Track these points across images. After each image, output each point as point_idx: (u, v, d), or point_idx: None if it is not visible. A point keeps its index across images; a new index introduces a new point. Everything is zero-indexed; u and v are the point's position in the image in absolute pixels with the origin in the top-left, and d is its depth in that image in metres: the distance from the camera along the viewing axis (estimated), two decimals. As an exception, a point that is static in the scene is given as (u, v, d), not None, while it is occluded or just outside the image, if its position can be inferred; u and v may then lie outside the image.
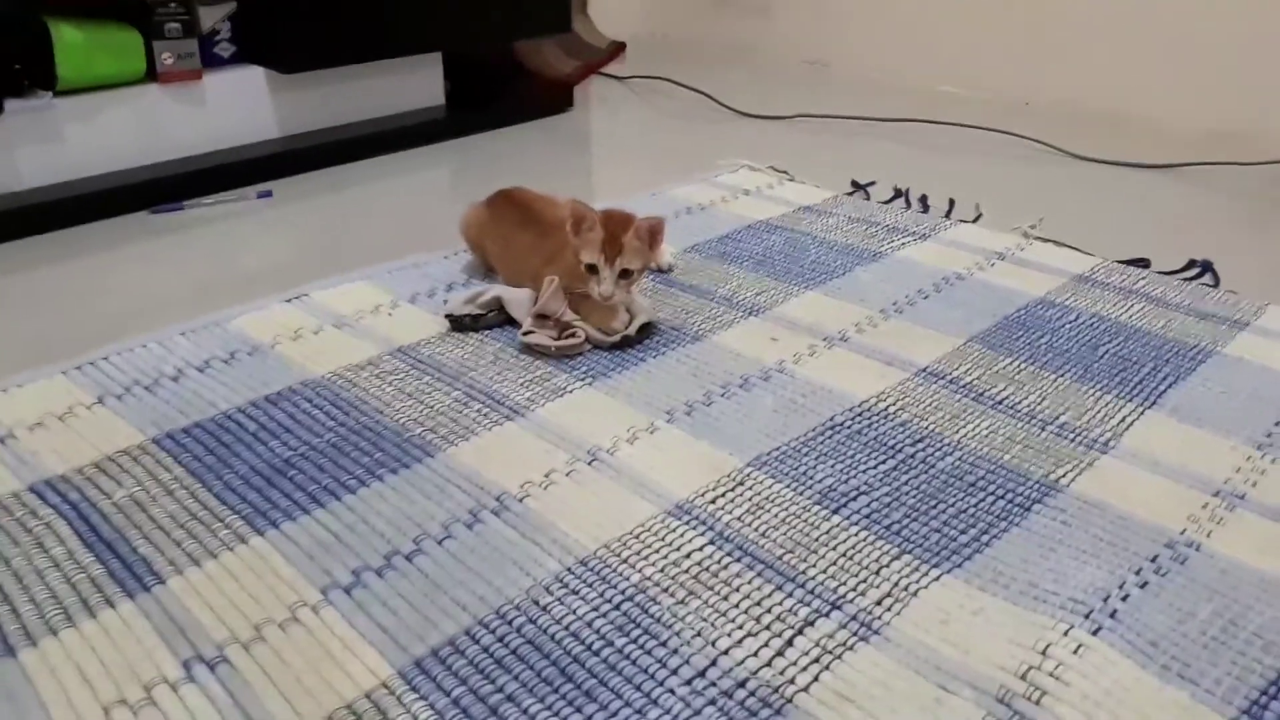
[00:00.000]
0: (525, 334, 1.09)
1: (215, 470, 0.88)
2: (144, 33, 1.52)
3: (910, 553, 0.78)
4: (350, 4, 1.69)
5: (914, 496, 0.85)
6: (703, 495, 0.84)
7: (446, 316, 1.14)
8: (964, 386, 1.01)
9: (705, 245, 1.38)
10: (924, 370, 1.04)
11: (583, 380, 1.03)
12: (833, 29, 2.50)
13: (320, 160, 1.71)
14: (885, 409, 0.97)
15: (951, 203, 1.51)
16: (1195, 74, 1.94)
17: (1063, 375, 1.04)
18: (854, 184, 1.60)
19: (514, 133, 1.96)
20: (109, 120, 1.53)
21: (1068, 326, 1.14)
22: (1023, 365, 1.06)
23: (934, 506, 0.84)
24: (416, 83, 1.89)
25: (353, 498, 0.84)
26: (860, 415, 0.96)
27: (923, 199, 1.53)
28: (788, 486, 0.86)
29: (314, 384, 1.02)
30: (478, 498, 0.84)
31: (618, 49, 2.52)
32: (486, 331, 1.13)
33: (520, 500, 0.84)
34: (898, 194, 1.56)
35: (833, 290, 1.24)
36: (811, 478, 0.87)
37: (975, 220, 1.46)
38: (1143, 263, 1.31)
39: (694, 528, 0.80)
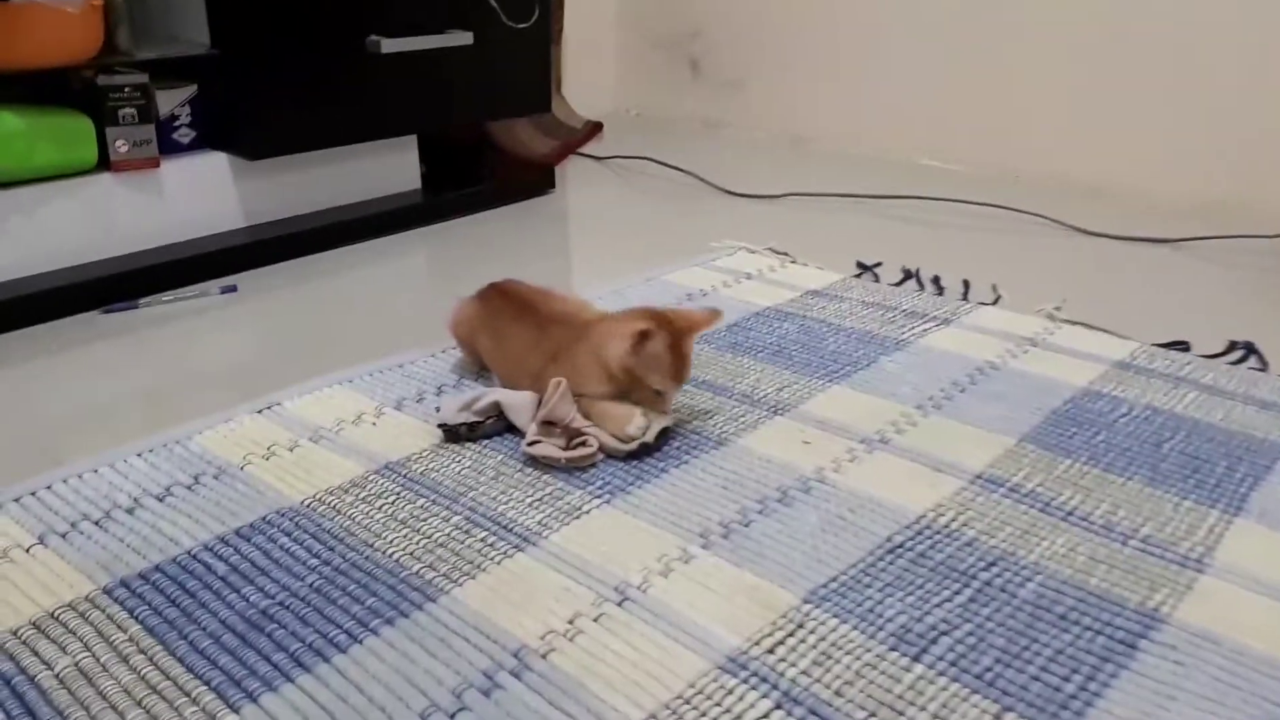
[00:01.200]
0: (530, 444, 0.97)
1: (179, 627, 0.74)
2: (95, 119, 1.40)
3: (1014, 710, 0.66)
4: (320, 86, 1.59)
5: (1001, 635, 0.73)
6: (758, 643, 0.72)
7: (440, 426, 1.02)
8: (1028, 495, 0.91)
9: (715, 336, 1.27)
10: (980, 477, 0.94)
11: (599, 497, 0.90)
12: (807, 103, 2.47)
13: (289, 250, 1.59)
14: (947, 525, 0.86)
15: (966, 284, 1.43)
16: (1186, 144, 1.91)
17: (1131, 479, 0.94)
18: (860, 265, 1.52)
19: (495, 216, 1.86)
20: (55, 213, 1.40)
21: (1123, 421, 1.05)
22: (1085, 468, 0.96)
23: (1026, 648, 0.72)
24: (390, 166, 1.79)
25: (343, 659, 0.71)
26: (921, 534, 0.85)
27: (935, 280, 1.45)
28: (855, 628, 0.74)
29: (292, 513, 0.89)
30: (493, 654, 0.71)
31: (594, 128, 2.45)
32: (484, 441, 1.01)
33: (543, 656, 0.71)
34: (908, 275, 1.48)
35: (860, 384, 1.14)
36: (881, 615, 0.75)
37: (995, 302, 1.38)
38: (1182, 346, 1.23)
39: (754, 686, 0.68)
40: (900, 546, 0.83)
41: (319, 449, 1.00)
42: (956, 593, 0.78)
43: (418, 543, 0.83)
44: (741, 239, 1.66)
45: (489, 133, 2.22)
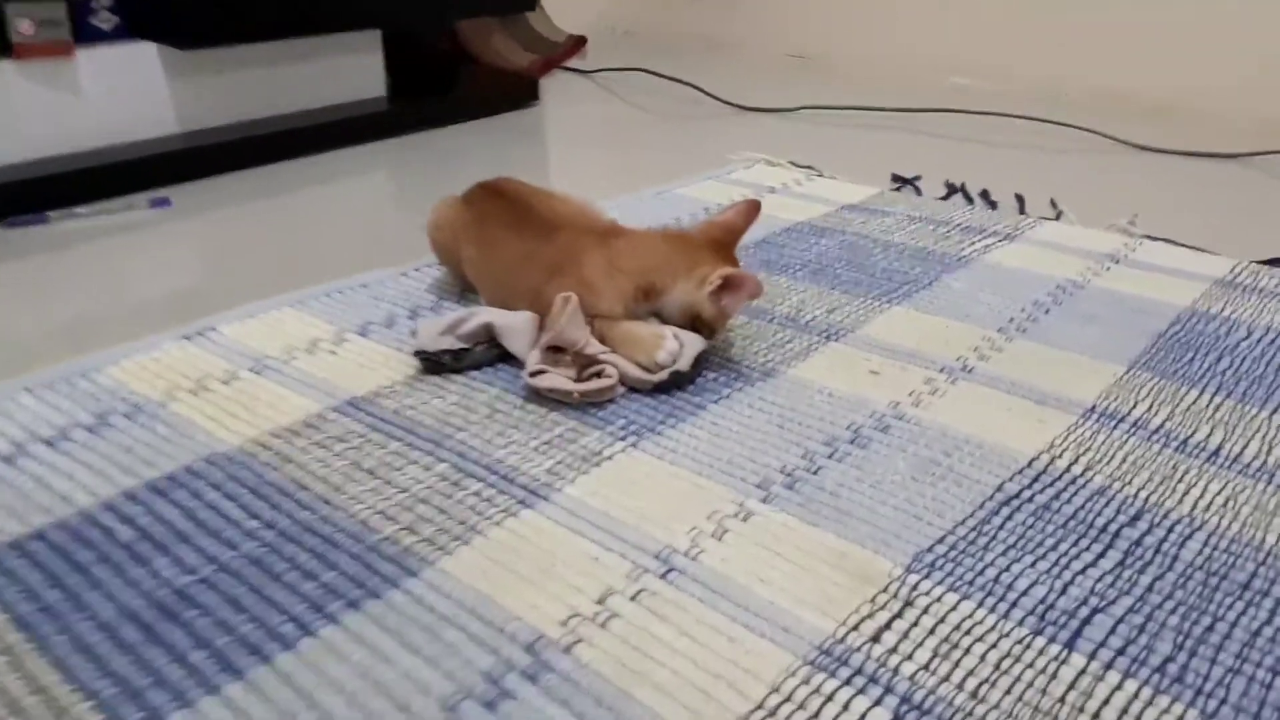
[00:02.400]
0: (534, 374, 0.77)
1: (60, 616, 0.54)
2: (-8, -6, 1.16)
3: (1219, 716, 0.48)
4: (267, -32, 1.36)
5: (1174, 612, 0.55)
6: (857, 628, 0.53)
7: (417, 354, 0.82)
8: (1158, 433, 0.72)
9: (739, 253, 1.07)
10: (1094, 411, 0.75)
11: (623, 438, 0.71)
12: (816, 18, 2.25)
13: (231, 161, 1.36)
14: (1068, 470, 0.68)
15: (1020, 199, 1.24)
16: (1248, 61, 1.73)
17: (1277, 411, 0.76)
18: (896, 178, 1.33)
19: (470, 129, 1.64)
20: (-54, 108, 1.17)
21: (1244, 345, 0.87)
22: (1218, 399, 0.77)
23: (1210, 629, 0.54)
24: (352, 69, 1.56)
25: (289, 657, 0.51)
26: (1038, 481, 0.66)
27: (985, 194, 1.26)
28: (981, 604, 0.55)
29: (224, 460, 0.68)
30: (498, 649, 0.52)
31: (578, 43, 2.22)
32: (473, 372, 0.81)
33: (567, 651, 0.52)
34: (952, 189, 1.28)
35: (924, 304, 0.94)
36: (1011, 587, 0.56)
37: (1057, 218, 1.19)
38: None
39: (858, 687, 0.49)
40: (1016, 497, 0.64)
41: (263, 382, 0.80)
42: (1100, 555, 0.59)
43: (391, 498, 0.64)
44: (757, 153, 1.45)
45: (462, 40, 1.99)
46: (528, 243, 0.86)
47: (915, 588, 0.56)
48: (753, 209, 0.86)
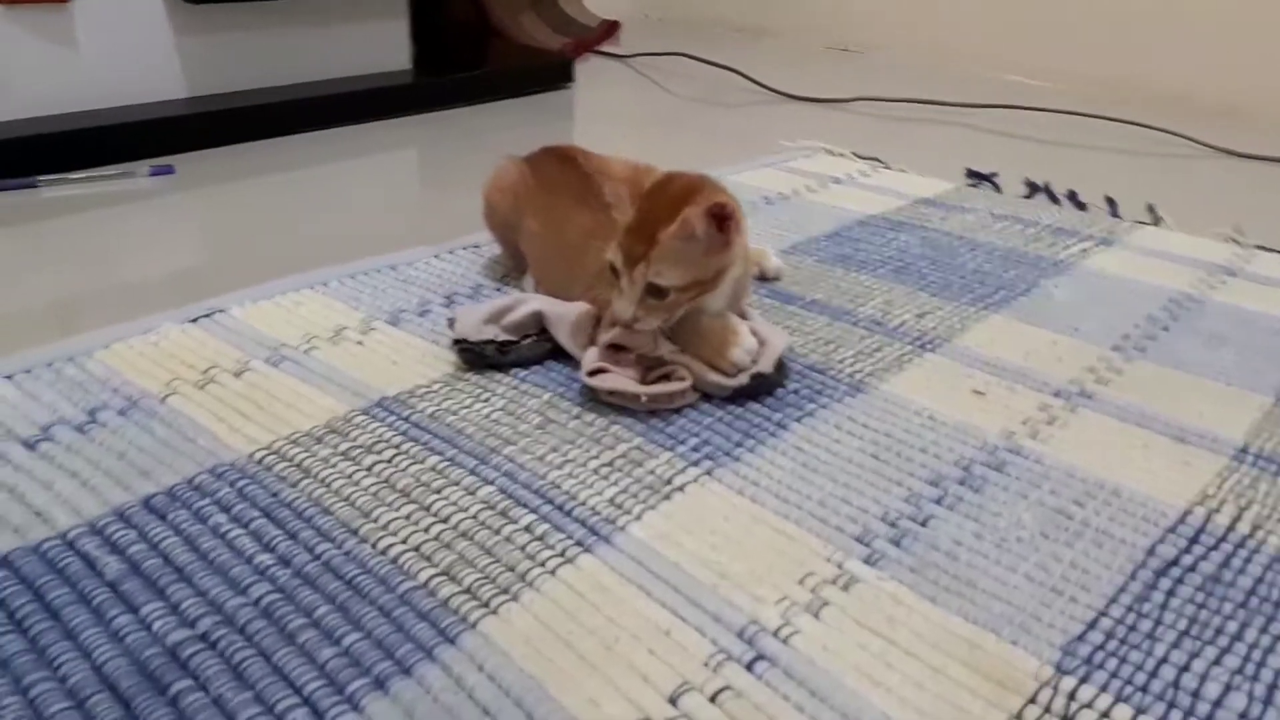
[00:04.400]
0: (593, 373, 0.66)
1: (19, 675, 0.43)
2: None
3: None
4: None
5: None
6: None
7: (456, 344, 0.71)
8: (1331, 480, 0.61)
9: (811, 245, 0.97)
10: (1246, 452, 0.64)
11: (696, 463, 0.60)
12: (855, 11, 2.13)
13: (244, 130, 1.25)
14: (1233, 528, 0.56)
15: (1112, 201, 1.13)
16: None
17: None
18: (972, 173, 1.21)
19: (501, 108, 1.52)
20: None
21: (1405, 376, 0.76)
22: (1391, 441, 0.66)
23: None
24: (376, 37, 1.45)
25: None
26: (1197, 542, 0.55)
27: (1072, 195, 1.15)
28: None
29: (234, 474, 0.57)
30: (565, 740, 0.41)
31: (611, 27, 2.11)
32: (521, 371, 0.70)
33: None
34: (1034, 188, 1.17)
35: (1025, 313, 0.83)
36: (1199, 696, 0.44)
37: (1156, 223, 1.08)
38: None
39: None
40: (1175, 564, 0.53)
41: (280, 375, 0.69)
42: (1303, 646, 0.48)
43: (428, 530, 0.52)
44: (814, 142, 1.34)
45: (491, 17, 1.88)
46: (594, 216, 0.75)
47: (1074, 696, 0.44)
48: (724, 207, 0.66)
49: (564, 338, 0.71)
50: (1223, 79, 1.69)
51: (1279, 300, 0.88)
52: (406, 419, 0.64)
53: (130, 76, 1.20)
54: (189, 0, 1.21)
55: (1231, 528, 0.56)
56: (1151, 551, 0.54)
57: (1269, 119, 1.62)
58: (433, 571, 0.49)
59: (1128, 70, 1.78)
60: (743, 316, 0.73)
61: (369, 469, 0.58)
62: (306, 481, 0.57)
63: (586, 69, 1.85)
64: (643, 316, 0.65)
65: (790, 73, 1.81)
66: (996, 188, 1.18)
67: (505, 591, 0.48)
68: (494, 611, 0.47)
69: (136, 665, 0.43)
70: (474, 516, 0.53)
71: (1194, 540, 0.55)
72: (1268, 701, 0.44)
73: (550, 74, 1.66)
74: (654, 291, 0.65)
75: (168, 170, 1.12)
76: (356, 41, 1.42)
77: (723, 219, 0.65)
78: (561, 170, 0.81)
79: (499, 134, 1.38)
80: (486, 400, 0.66)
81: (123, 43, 1.19)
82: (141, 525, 0.52)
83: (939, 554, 0.52)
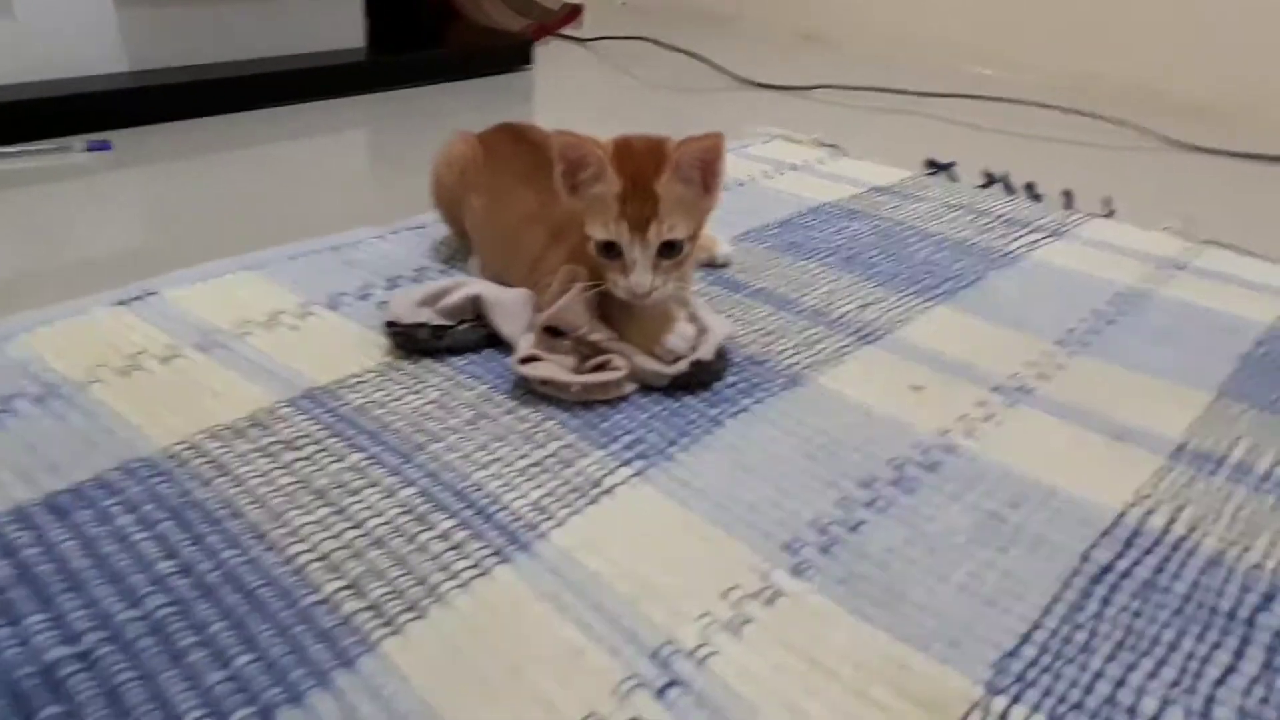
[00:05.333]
0: (524, 360, 0.65)
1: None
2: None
3: None
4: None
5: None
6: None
7: (389, 327, 0.69)
8: (1268, 481, 0.61)
9: (762, 232, 0.95)
10: (1184, 450, 0.64)
11: (628, 462, 0.58)
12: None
13: (186, 106, 1.22)
14: (1168, 530, 0.56)
15: (1068, 194, 1.12)
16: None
17: (1399, 459, 0.65)
18: (930, 163, 1.20)
19: (456, 89, 1.49)
20: None
21: (1345, 374, 0.76)
22: (1329, 441, 0.66)
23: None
24: (328, 13, 1.41)
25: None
26: (1133, 545, 0.54)
27: (1029, 187, 1.14)
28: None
29: (147, 469, 0.55)
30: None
31: (573, 11, 2.07)
32: (457, 360, 0.68)
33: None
34: (991, 179, 1.16)
35: (970, 305, 0.83)
36: (1136, 711, 0.43)
37: (1109, 215, 1.08)
38: (1372, 279, 0.94)
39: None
40: (1109, 570, 0.52)
41: (209, 362, 0.67)
42: (1238, 654, 0.47)
43: (340, 536, 0.50)
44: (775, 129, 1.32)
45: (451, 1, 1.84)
46: (538, 197, 0.73)
47: (1005, 717, 0.43)
48: (715, 145, 0.66)
49: (501, 323, 0.69)
50: (1194, 75, 1.69)
51: (1226, 296, 0.88)
52: (333, 411, 0.62)
53: (69, 48, 1.16)
54: (128, -29, 1.17)
55: (1167, 529, 0.56)
56: (1086, 557, 0.53)
57: (1241, 116, 1.62)
58: (339, 584, 0.47)
59: (1094, 65, 1.77)
60: (686, 303, 0.71)
61: (287, 466, 0.56)
62: (221, 480, 0.55)
63: (548, 52, 1.82)
64: (659, 285, 0.64)
65: (755, 60, 1.79)
66: (953, 177, 1.17)
67: (412, 608, 0.46)
68: (398, 631, 0.45)
69: (6, 685, 0.41)
70: (390, 522, 0.51)
71: (1128, 543, 0.54)
72: (1205, 715, 0.44)
73: (509, 56, 1.63)
74: (666, 251, 0.64)
75: (104, 146, 1.08)
76: (308, 17, 1.38)
77: (712, 159, 0.65)
78: (513, 148, 0.79)
79: (454, 115, 1.36)
80: (419, 392, 0.64)
81: (61, 13, 1.14)
82: (41, 525, 0.50)
83: (868, 563, 0.51)
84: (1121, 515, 0.57)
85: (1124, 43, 1.75)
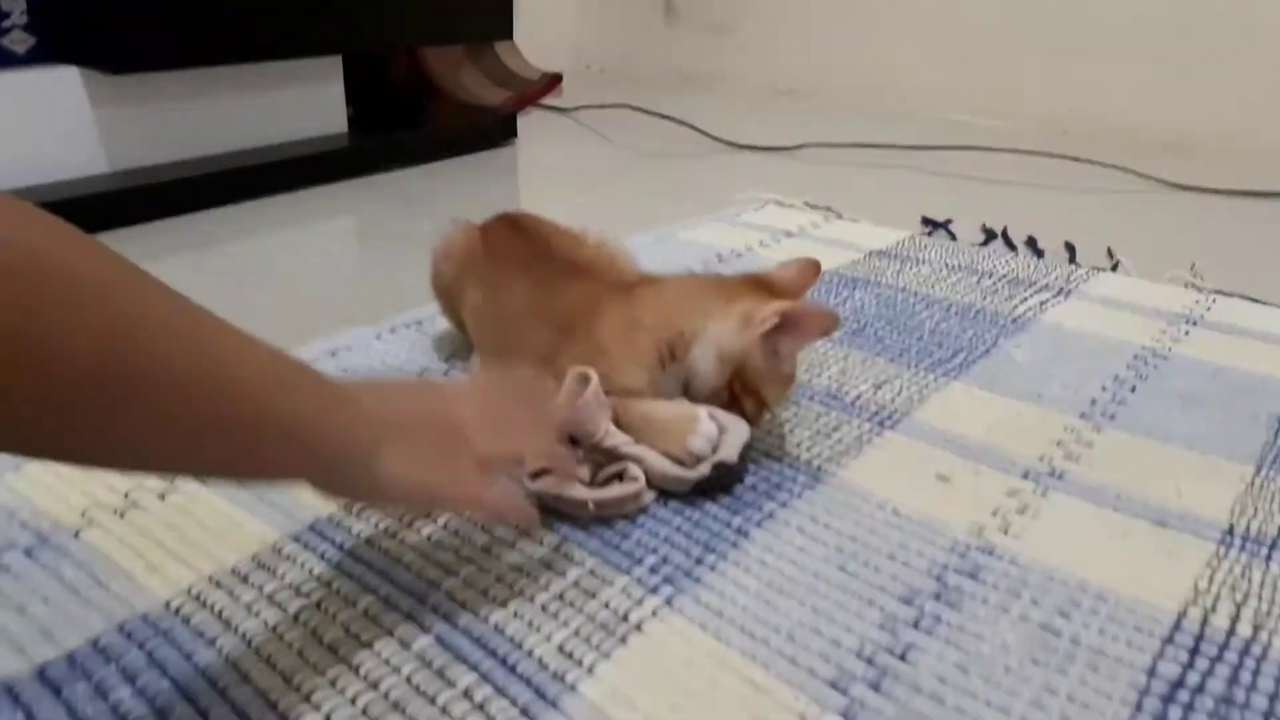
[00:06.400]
0: (535, 474, 0.62)
1: None
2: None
3: None
4: (210, -14, 1.20)
5: None
6: None
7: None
8: (1320, 565, 0.58)
9: (765, 314, 0.93)
10: (1232, 534, 0.61)
11: (654, 589, 0.55)
12: (807, 51, 2.12)
13: (169, 205, 1.20)
14: (1233, 631, 0.52)
15: (1071, 247, 1.11)
16: (1260, 91, 1.62)
17: None
18: (927, 222, 1.19)
19: (441, 169, 1.48)
20: None
21: (1383, 434, 0.73)
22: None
23: None
24: (309, 101, 1.40)
25: None
26: (1199, 653, 0.51)
27: (1031, 242, 1.13)
28: None
29: (148, 629, 0.51)
30: None
31: (553, 80, 2.07)
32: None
33: None
34: (991, 235, 1.15)
35: (986, 379, 0.80)
36: None
37: (1114, 268, 1.06)
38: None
39: None
40: (1180, 685, 0.49)
41: (208, 495, 0.63)
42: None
43: (355, 701, 0.47)
44: (765, 193, 1.31)
45: (430, 74, 1.84)
46: (539, 291, 0.71)
47: None
48: (813, 269, 0.71)
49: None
50: (1166, 112, 1.70)
51: (1244, 352, 0.86)
52: (340, 547, 0.59)
53: (47, 153, 1.14)
54: (108, 71, 1.15)
55: (1232, 631, 0.53)
56: (1153, 671, 0.50)
57: (1212, 151, 1.62)
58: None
59: (1071, 105, 1.78)
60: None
61: (295, 617, 0.53)
62: (225, 637, 0.51)
63: (529, 123, 1.81)
64: None
65: (737, 120, 1.79)
66: (951, 235, 1.15)
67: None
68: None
69: None
70: (408, 679, 0.48)
71: (1195, 651, 0.51)
72: None
73: (492, 131, 1.62)
74: None
75: (86, 256, 1.06)
76: (289, 105, 1.37)
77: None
78: (508, 238, 0.77)
79: (440, 197, 1.34)
80: (427, 515, 0.61)
81: (38, 117, 1.13)
82: (29, 704, 0.47)
83: (923, 698, 0.48)
84: (1181, 616, 0.54)
85: (1100, 83, 1.76)
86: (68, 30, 1.14)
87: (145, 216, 1.17)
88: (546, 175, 1.52)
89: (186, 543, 0.59)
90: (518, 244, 0.77)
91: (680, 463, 0.63)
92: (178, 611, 0.53)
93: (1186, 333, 0.90)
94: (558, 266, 0.72)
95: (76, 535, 0.60)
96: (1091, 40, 1.75)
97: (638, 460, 0.63)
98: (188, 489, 0.64)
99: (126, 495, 0.63)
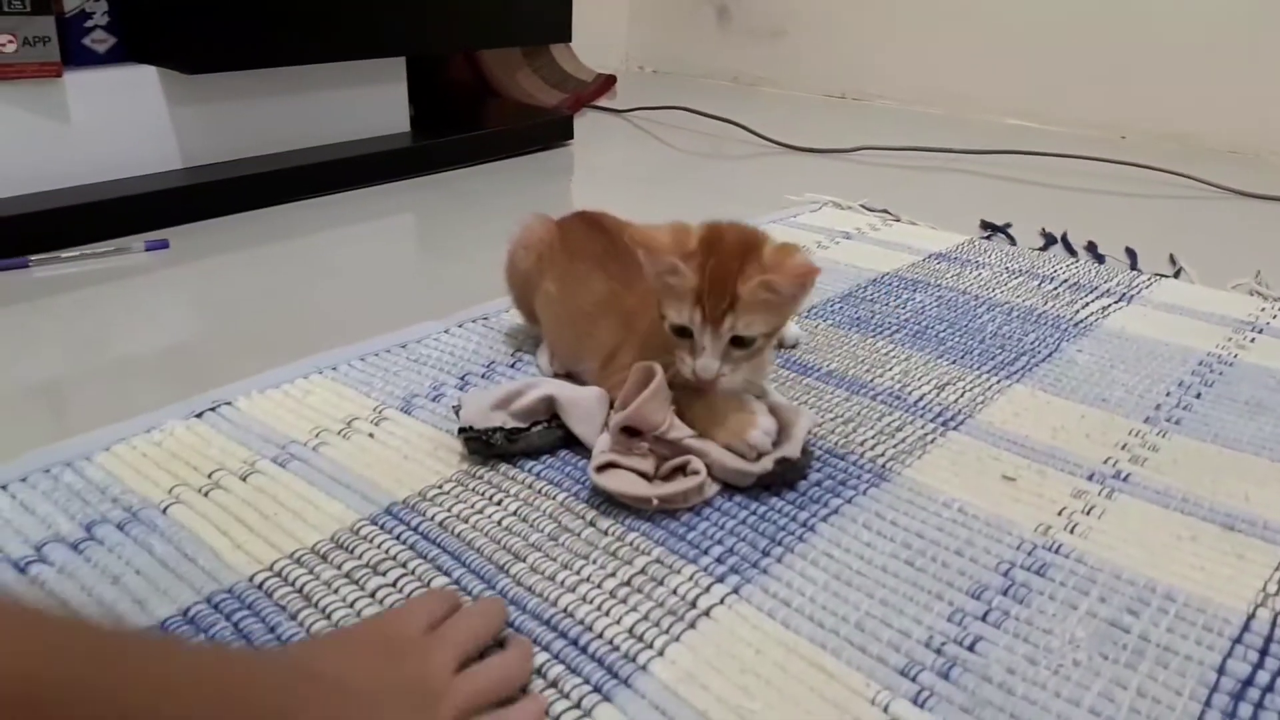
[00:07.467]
0: (601, 467, 0.63)
1: None
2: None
3: None
4: (282, -12, 1.23)
5: None
6: None
7: (461, 433, 0.67)
8: (1394, 572, 0.58)
9: (825, 308, 0.94)
10: (1301, 539, 0.61)
11: (722, 579, 0.56)
12: (863, 55, 2.12)
13: (240, 201, 1.23)
14: (1297, 631, 0.53)
15: (1132, 252, 1.10)
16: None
17: None
18: (987, 225, 1.19)
19: (500, 168, 1.50)
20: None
21: None
22: None
23: None
24: (373, 101, 1.43)
25: None
26: (1269, 654, 0.51)
27: (1091, 247, 1.12)
28: None
29: (233, 601, 0.54)
30: None
31: (607, 81, 2.09)
32: (533, 464, 0.67)
33: None
34: (1050, 240, 1.15)
35: (1049, 382, 0.80)
36: None
37: (1176, 275, 1.05)
38: None
39: None
40: (1250, 683, 0.49)
41: (288, 477, 0.66)
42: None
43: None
44: (821, 195, 1.32)
45: (488, 76, 1.86)
46: (612, 285, 0.72)
47: None
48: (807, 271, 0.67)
49: (576, 424, 0.68)
50: (1225, 119, 1.67)
51: (1314, 360, 0.85)
52: (415, 529, 0.60)
53: (124, 149, 1.18)
54: (185, 71, 1.19)
55: (1296, 637, 0.53)
56: (1222, 670, 0.50)
57: (1272, 158, 1.59)
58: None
59: (1128, 111, 1.76)
60: (764, 393, 0.70)
61: (373, 594, 0.54)
62: (307, 612, 0.53)
63: (584, 124, 1.83)
64: (727, 371, 0.64)
65: (790, 123, 1.79)
66: (1011, 239, 1.15)
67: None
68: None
69: None
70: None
71: (1264, 651, 0.51)
72: None
73: (550, 131, 1.64)
74: (738, 342, 0.63)
75: (162, 245, 1.09)
76: (355, 105, 1.40)
77: (802, 287, 0.63)
78: (586, 233, 0.79)
79: (499, 195, 1.36)
80: (499, 503, 0.63)
81: (117, 116, 1.17)
82: (131, 670, 0.49)
83: (992, 687, 0.48)
84: (1250, 618, 0.54)
85: (1157, 89, 1.74)
86: (146, 31, 1.18)
87: (216, 211, 1.21)
88: (602, 175, 1.54)
89: (267, 522, 0.61)
90: (595, 240, 0.78)
91: (742, 456, 0.64)
92: (262, 586, 0.55)
93: (1252, 340, 0.89)
94: (631, 264, 0.74)
95: (164, 511, 0.62)
96: (1148, 47, 1.73)
97: (701, 454, 0.64)
98: (269, 471, 0.67)
99: (210, 475, 0.66)
